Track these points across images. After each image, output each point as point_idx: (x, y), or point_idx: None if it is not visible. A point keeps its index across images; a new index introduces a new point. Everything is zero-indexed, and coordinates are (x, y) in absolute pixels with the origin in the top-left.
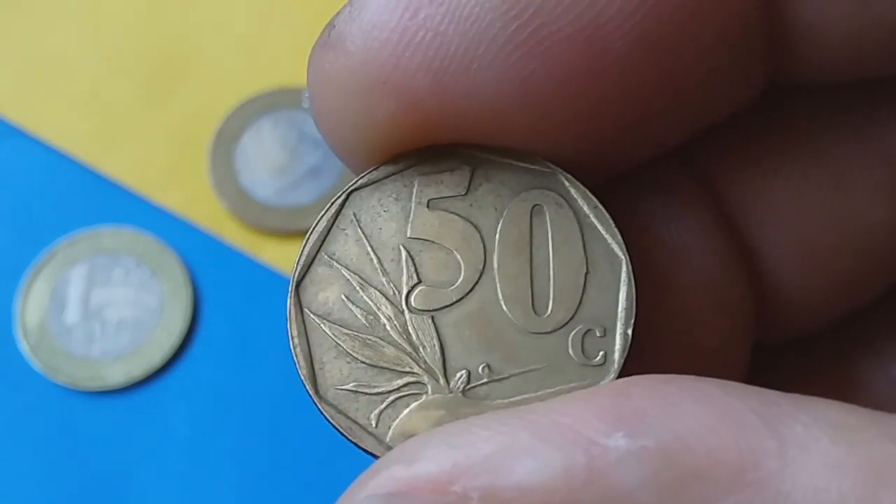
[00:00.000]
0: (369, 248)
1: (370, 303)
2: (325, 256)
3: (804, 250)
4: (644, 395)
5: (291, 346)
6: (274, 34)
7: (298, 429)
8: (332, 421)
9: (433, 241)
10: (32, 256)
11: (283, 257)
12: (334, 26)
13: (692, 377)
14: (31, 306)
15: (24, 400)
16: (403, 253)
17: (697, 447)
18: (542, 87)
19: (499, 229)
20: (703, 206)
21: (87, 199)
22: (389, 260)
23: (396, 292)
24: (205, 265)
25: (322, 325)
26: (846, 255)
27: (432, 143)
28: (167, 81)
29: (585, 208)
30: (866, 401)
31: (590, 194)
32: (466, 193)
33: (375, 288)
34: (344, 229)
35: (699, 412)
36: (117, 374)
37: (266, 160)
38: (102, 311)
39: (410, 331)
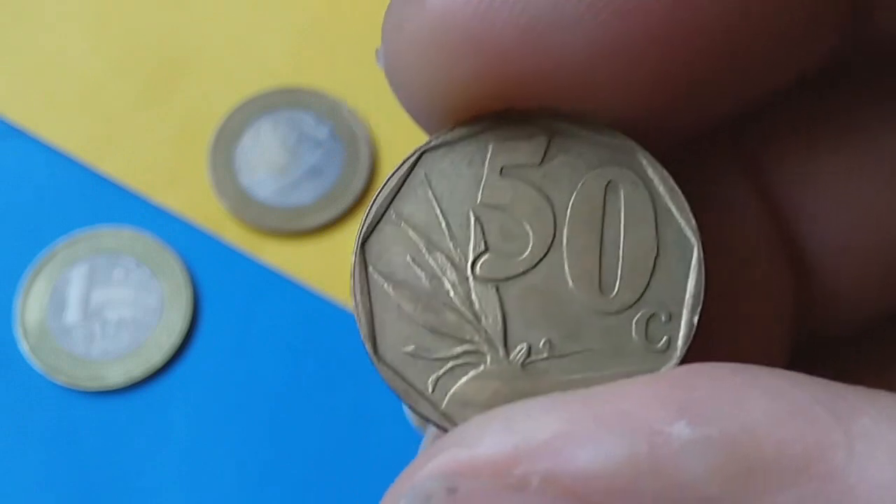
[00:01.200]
0: (438, 211)
1: (435, 267)
2: (394, 215)
3: (852, 244)
4: (708, 384)
5: (353, 304)
6: (274, 34)
7: (299, 429)
8: (389, 382)
9: (503, 210)
10: (32, 256)
11: (283, 257)
12: None
13: (758, 367)
14: (31, 306)
15: (24, 400)
16: (472, 219)
17: (763, 438)
18: (630, 47)
19: (571, 203)
20: (749, 191)
21: (87, 199)
22: (458, 225)
23: (463, 258)
24: (205, 265)
25: (385, 285)
26: (891, 251)
27: (512, 105)
28: (167, 81)
29: (661, 189)
30: None
31: (667, 175)
32: (541, 163)
33: (442, 252)
34: (414, 189)
35: (765, 403)
36: (117, 374)
37: (266, 160)
38: (102, 311)
39: (474, 299)
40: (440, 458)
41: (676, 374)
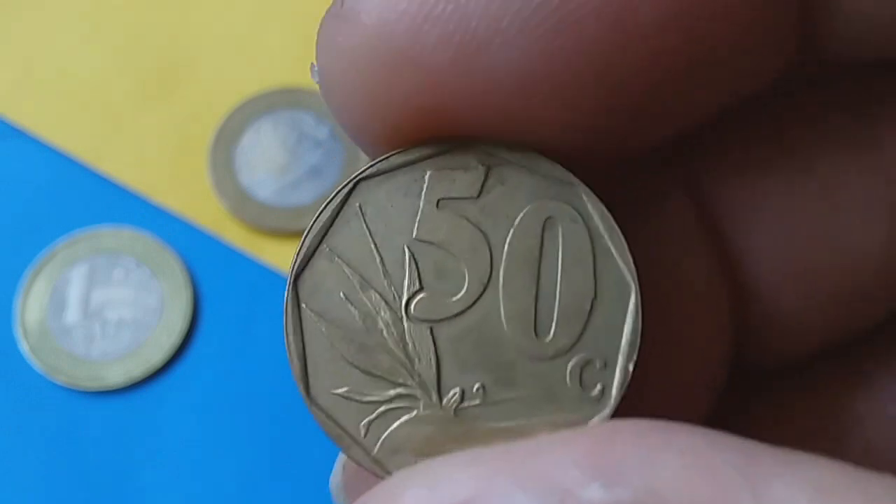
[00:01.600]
0: (373, 246)
1: (369, 305)
2: (327, 249)
3: (791, 267)
4: (626, 442)
5: (286, 343)
6: (274, 34)
7: (298, 429)
8: (322, 426)
9: (439, 246)
10: (32, 256)
11: (283, 257)
12: None
13: (678, 425)
14: (31, 306)
15: (24, 400)
16: (407, 255)
17: (673, 501)
18: (569, 64)
19: (508, 240)
20: (688, 212)
21: (87, 199)
22: (393, 261)
23: (397, 297)
24: (205, 265)
25: (318, 323)
26: (836, 276)
27: (449, 131)
28: (167, 81)
29: (601, 227)
30: (857, 438)
31: (607, 213)
32: (479, 196)
33: (376, 290)
34: (348, 221)
35: (679, 464)
36: (117, 375)
37: (266, 160)
38: (102, 311)
39: (408, 340)
40: None
41: (597, 433)
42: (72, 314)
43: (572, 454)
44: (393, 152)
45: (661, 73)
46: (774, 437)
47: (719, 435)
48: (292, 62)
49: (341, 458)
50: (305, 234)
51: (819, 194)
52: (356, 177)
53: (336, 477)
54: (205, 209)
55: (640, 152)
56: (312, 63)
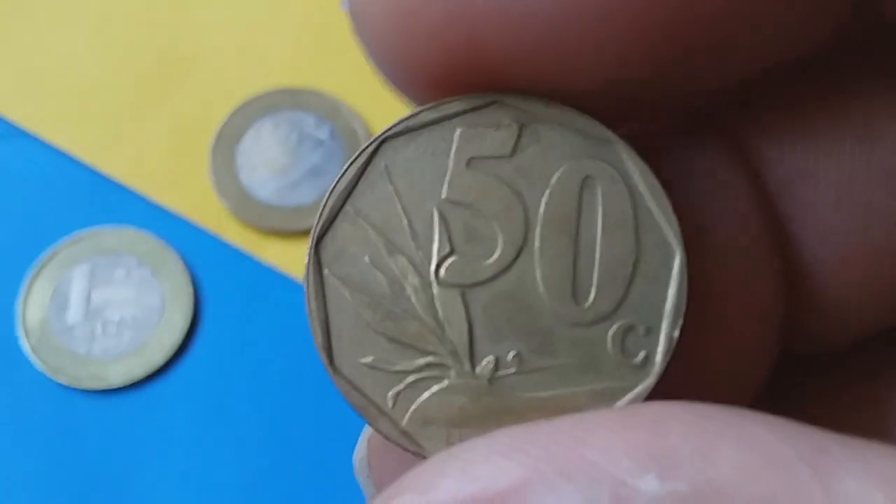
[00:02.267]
0: (400, 208)
1: (396, 270)
2: (351, 211)
3: (848, 245)
4: (681, 431)
5: (307, 311)
6: (274, 34)
7: (299, 429)
8: (346, 396)
9: (470, 207)
10: (34, 256)
11: (283, 257)
12: None
13: (737, 411)
14: (33, 306)
15: (25, 399)
16: (437, 216)
17: (736, 496)
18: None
19: (544, 201)
20: (741, 180)
21: (88, 198)
22: (421, 223)
23: (425, 261)
24: (206, 265)
25: (342, 289)
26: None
27: (486, 73)
28: (168, 81)
29: (642, 187)
30: None
31: (649, 171)
32: (512, 155)
33: (403, 253)
34: (373, 182)
35: (740, 455)
36: (118, 374)
37: (267, 160)
38: (104, 311)
39: (437, 306)
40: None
41: (647, 419)
42: (73, 314)
43: (624, 441)
44: (420, 109)
45: (716, 18)
46: (816, 423)
47: (783, 422)
48: (293, 62)
49: (366, 432)
50: (327, 195)
51: (885, 170)
52: (382, 135)
53: (360, 451)
54: (206, 209)
55: (686, 108)
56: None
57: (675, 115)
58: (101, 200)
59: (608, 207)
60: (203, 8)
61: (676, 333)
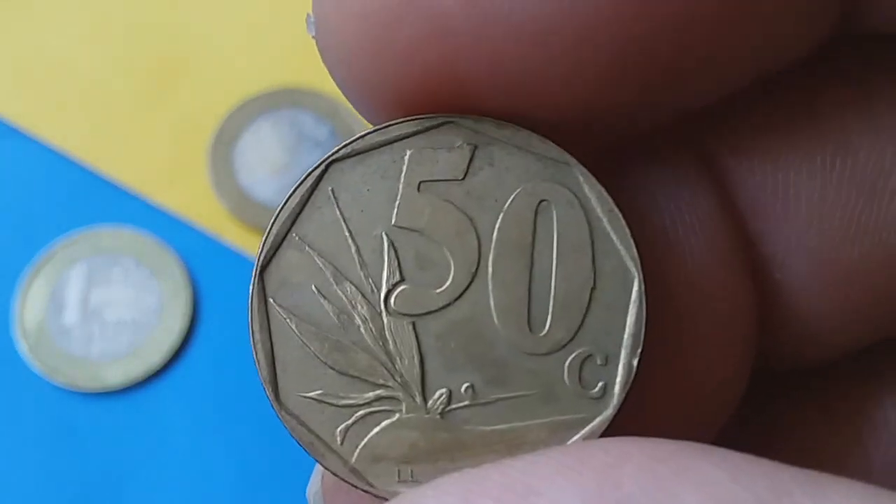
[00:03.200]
0: (347, 233)
1: (344, 299)
2: (297, 238)
3: (821, 262)
4: (635, 476)
5: (252, 342)
6: (274, 34)
7: None
8: (292, 433)
9: (421, 233)
10: (31, 256)
11: None
12: None
13: (694, 449)
14: (30, 307)
15: (22, 401)
16: (386, 243)
17: None
18: (588, 10)
19: (497, 226)
20: (710, 199)
21: (86, 199)
22: (370, 250)
23: (375, 290)
24: (204, 265)
25: (288, 321)
26: (871, 272)
27: (454, 91)
28: (167, 81)
29: (599, 211)
30: (885, 445)
31: (605, 194)
32: (464, 178)
33: (351, 282)
34: (320, 207)
35: (697, 500)
36: (116, 375)
37: (265, 160)
38: (101, 312)
39: (388, 337)
40: None
41: (601, 461)
42: (71, 314)
43: (577, 490)
44: (368, 131)
45: (696, 37)
46: (790, 445)
47: (743, 461)
48: (291, 62)
49: (318, 466)
50: (272, 221)
51: (855, 183)
52: (328, 158)
53: (314, 486)
54: (204, 209)
55: (650, 129)
56: (308, 14)
57: (639, 134)
58: (99, 200)
59: (564, 232)
60: (202, 8)
61: (636, 362)
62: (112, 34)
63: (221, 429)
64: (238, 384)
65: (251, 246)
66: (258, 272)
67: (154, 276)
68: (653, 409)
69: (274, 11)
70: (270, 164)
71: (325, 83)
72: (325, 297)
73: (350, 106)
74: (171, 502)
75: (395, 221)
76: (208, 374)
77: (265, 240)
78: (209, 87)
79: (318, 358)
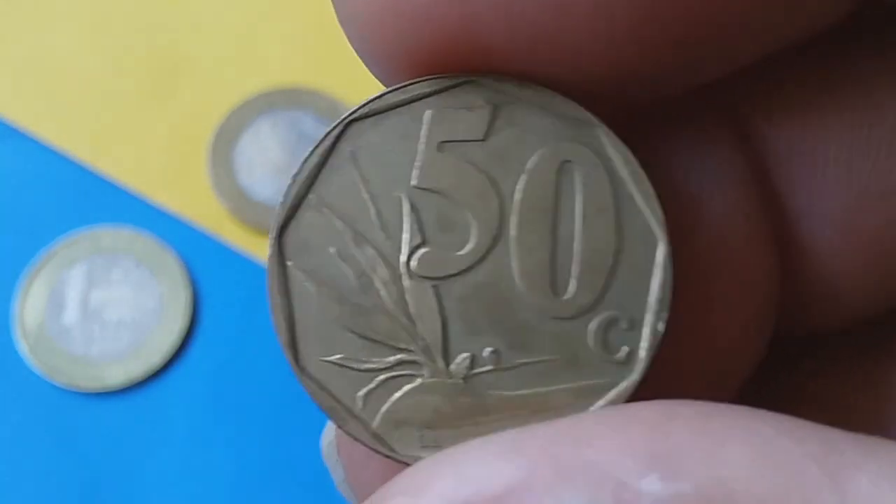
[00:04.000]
0: (367, 195)
1: (364, 262)
2: (315, 200)
3: (849, 227)
4: (685, 430)
5: (271, 306)
6: (273, 34)
7: (297, 428)
8: (313, 397)
9: (442, 194)
10: (31, 256)
11: None
12: None
13: (742, 410)
14: (30, 307)
15: (22, 401)
16: (407, 204)
17: (743, 497)
18: None
19: (520, 188)
20: (738, 162)
21: (86, 199)
22: (390, 211)
23: (395, 252)
24: (204, 265)
25: (307, 284)
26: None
27: (471, 54)
28: (166, 81)
29: (623, 172)
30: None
31: (631, 155)
32: (486, 138)
33: (371, 244)
34: (338, 168)
35: (748, 455)
36: (116, 375)
37: (265, 160)
38: (101, 312)
39: (408, 300)
40: None
41: (650, 416)
42: (71, 314)
43: (625, 440)
44: (388, 90)
45: (728, 8)
46: (810, 409)
47: (791, 421)
48: (292, 62)
49: None
50: (290, 182)
51: (887, 146)
52: (347, 117)
53: (328, 435)
54: (204, 209)
55: (678, 92)
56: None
57: (666, 97)
58: (99, 200)
59: (588, 194)
60: (201, 8)
61: (661, 327)
62: (112, 34)
63: (221, 429)
64: (238, 384)
65: (251, 246)
66: (276, 235)
67: (154, 276)
68: (674, 372)
69: (274, 11)
70: (270, 163)
71: (325, 83)
72: (344, 260)
73: (349, 105)
74: (172, 502)
75: (416, 183)
76: (208, 374)
77: (283, 202)
78: (209, 87)
79: (339, 322)
